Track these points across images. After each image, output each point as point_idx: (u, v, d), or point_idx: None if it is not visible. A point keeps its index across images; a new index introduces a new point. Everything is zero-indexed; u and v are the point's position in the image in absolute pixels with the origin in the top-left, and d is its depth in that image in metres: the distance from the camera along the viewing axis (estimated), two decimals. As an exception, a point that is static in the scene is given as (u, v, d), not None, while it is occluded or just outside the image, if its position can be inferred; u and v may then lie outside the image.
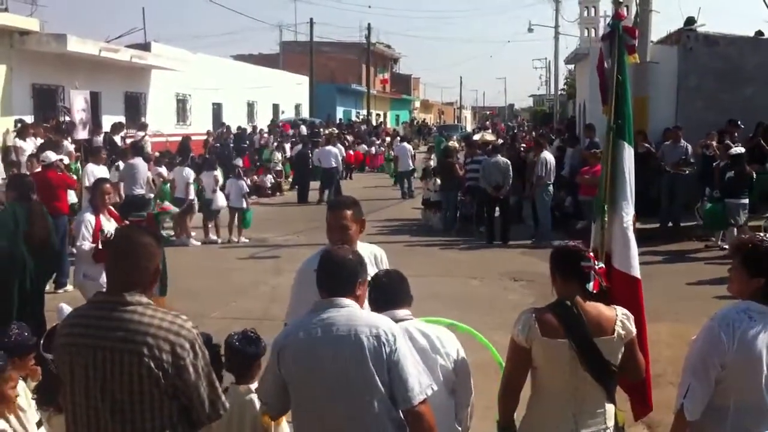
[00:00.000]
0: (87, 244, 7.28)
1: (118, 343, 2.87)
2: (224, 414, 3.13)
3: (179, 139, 22.63)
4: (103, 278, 6.28)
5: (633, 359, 3.66)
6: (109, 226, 7.42)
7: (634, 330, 3.62)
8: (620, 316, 3.59)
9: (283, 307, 10.25)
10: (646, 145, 15.04)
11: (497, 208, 15.05)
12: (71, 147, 15.36)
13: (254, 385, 4.02)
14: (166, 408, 2.91)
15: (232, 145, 25.19)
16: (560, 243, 3.88)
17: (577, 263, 3.62)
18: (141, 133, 20.13)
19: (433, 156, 24.62)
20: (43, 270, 7.34)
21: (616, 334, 3.54)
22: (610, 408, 3.61)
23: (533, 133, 32.90)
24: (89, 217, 7.42)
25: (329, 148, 22.55)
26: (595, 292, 3.61)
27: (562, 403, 3.55)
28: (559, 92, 48.41)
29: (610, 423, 3.61)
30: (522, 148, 20.11)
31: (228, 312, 9.56)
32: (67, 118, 18.44)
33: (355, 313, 3.25)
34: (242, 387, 4.15)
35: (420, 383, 3.17)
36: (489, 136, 27.40)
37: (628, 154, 5.20)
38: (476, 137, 27.04)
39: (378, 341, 3.14)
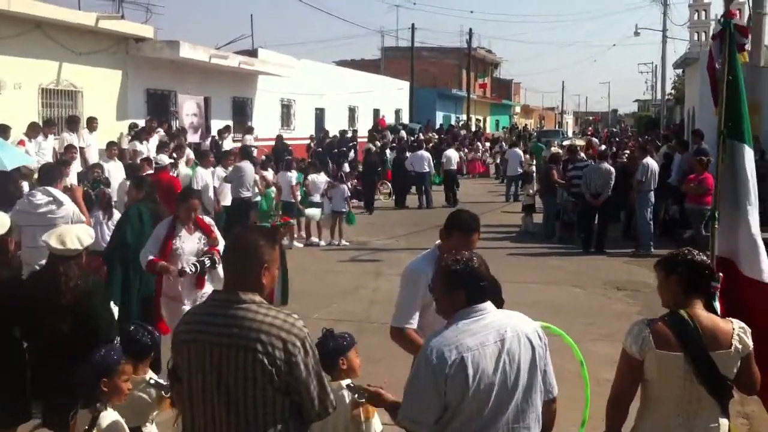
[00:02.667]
0: (145, 256, 6.60)
1: (232, 340, 2.97)
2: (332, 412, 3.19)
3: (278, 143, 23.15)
4: (177, 296, 6.53)
5: (749, 373, 3.55)
6: (188, 240, 6.69)
7: (751, 344, 3.51)
8: (737, 330, 3.50)
9: (384, 309, 10.37)
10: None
11: (597, 216, 14.79)
12: (191, 153, 15.93)
13: (345, 381, 4.05)
14: (278, 404, 3.00)
15: (335, 150, 25.60)
16: (697, 255, 3.66)
17: (708, 282, 3.58)
18: (249, 137, 20.73)
19: (533, 162, 24.53)
20: None
21: (733, 348, 3.45)
22: (723, 422, 3.52)
23: (639, 139, 32.03)
24: (161, 230, 6.72)
25: (421, 152, 22.75)
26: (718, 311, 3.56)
27: (674, 417, 3.48)
28: (666, 97, 47.02)
29: None
30: (625, 156, 19.66)
31: (329, 313, 9.72)
32: (178, 122, 19.25)
33: (504, 314, 3.31)
34: (335, 383, 4.19)
35: (553, 376, 3.32)
36: (579, 141, 27.02)
37: (749, 155, 5.01)
38: (566, 143, 26.77)
39: (540, 340, 3.24)
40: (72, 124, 15.21)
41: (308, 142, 26.73)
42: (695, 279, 3.54)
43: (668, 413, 3.49)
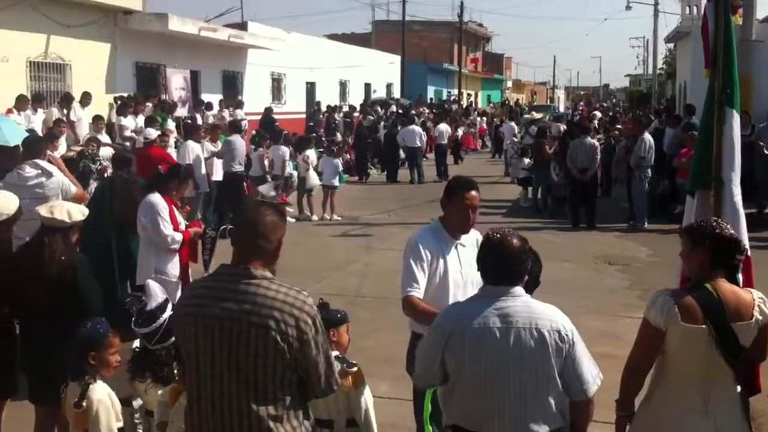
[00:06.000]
0: (177, 235, 6.46)
1: (244, 315, 2.95)
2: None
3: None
4: (175, 273, 6.48)
5: (763, 342, 3.55)
6: (178, 215, 6.69)
7: None
8: (757, 300, 3.51)
9: (376, 284, 10.37)
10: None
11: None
12: (172, 125, 15.84)
13: (333, 353, 4.06)
14: (287, 379, 3.00)
15: (324, 124, 25.51)
16: (725, 228, 3.62)
17: (734, 256, 3.56)
18: (239, 111, 20.65)
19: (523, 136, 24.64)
20: (128, 248, 7.22)
21: (753, 319, 3.46)
22: (737, 389, 3.55)
23: (630, 113, 32.01)
24: (162, 201, 6.47)
25: (413, 127, 22.69)
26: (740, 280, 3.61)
27: (691, 387, 3.49)
28: (658, 72, 46.99)
29: (738, 404, 3.55)
30: (617, 130, 19.62)
31: (322, 288, 9.68)
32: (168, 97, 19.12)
33: (530, 303, 3.26)
34: None
35: (592, 375, 3.26)
36: (537, 115, 27.38)
37: (737, 122, 4.99)
38: (526, 116, 27.03)
39: (559, 336, 3.18)
40: (65, 101, 15.07)
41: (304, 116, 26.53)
42: (721, 252, 3.53)
43: (686, 383, 3.50)
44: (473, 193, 4.32)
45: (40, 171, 7.38)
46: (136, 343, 4.44)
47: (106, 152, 12.06)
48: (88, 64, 17.24)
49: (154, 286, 4.50)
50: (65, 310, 4.65)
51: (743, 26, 16.10)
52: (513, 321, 3.17)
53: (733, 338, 3.42)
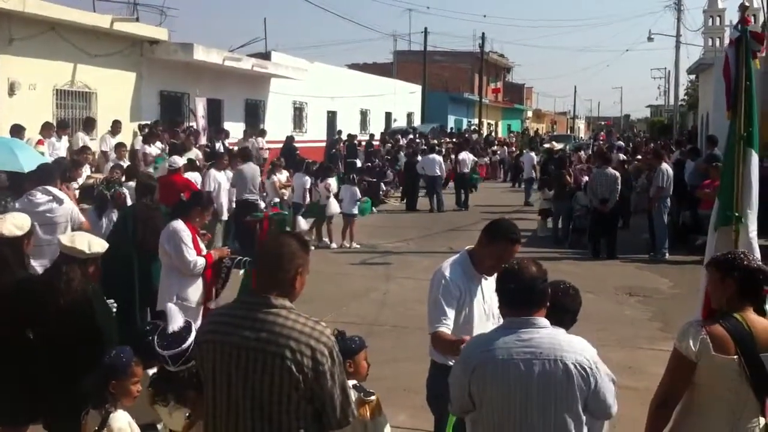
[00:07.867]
0: (200, 260, 6.53)
1: (261, 344, 2.97)
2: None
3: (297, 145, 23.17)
4: (195, 299, 6.53)
5: None
6: (202, 244, 6.79)
7: None
8: None
9: (394, 312, 10.34)
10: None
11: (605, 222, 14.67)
12: (199, 153, 15.96)
13: (351, 382, 4.04)
14: (302, 410, 3.00)
15: (344, 153, 25.64)
16: (753, 259, 3.66)
17: (762, 287, 3.56)
18: (261, 139, 20.83)
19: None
20: (149, 274, 7.31)
21: None
22: (761, 421, 3.53)
23: (651, 144, 31.97)
24: (185, 228, 6.55)
25: (433, 156, 22.73)
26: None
27: (719, 419, 3.47)
28: (679, 103, 46.88)
29: None
30: (637, 160, 19.60)
31: (340, 316, 9.72)
32: (193, 124, 19.32)
33: (555, 335, 3.22)
34: None
35: (612, 412, 3.27)
36: (558, 145, 27.49)
37: (754, 160, 5.24)
38: (546, 146, 27.13)
39: (584, 370, 3.14)
40: (88, 126, 15.30)
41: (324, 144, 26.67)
42: (750, 283, 3.54)
43: (715, 416, 3.48)
44: (516, 247, 4.30)
45: (51, 197, 7.43)
46: (152, 371, 4.45)
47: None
48: (114, 92, 17.49)
49: (173, 308, 4.51)
50: (79, 339, 4.67)
51: (766, 61, 16.07)
52: (537, 352, 3.13)
53: (762, 370, 3.40)
